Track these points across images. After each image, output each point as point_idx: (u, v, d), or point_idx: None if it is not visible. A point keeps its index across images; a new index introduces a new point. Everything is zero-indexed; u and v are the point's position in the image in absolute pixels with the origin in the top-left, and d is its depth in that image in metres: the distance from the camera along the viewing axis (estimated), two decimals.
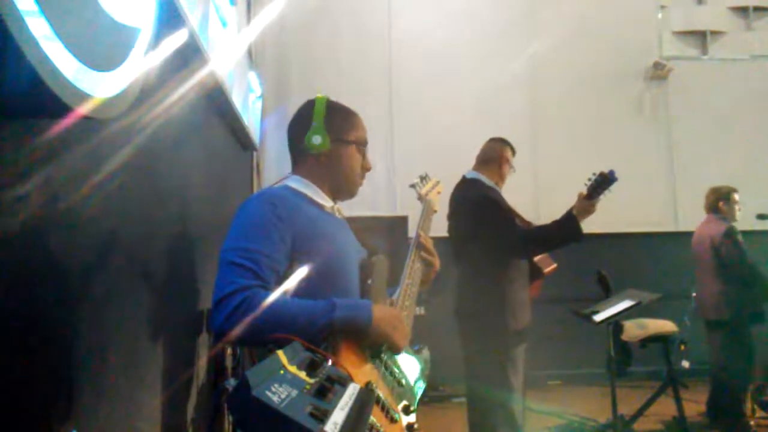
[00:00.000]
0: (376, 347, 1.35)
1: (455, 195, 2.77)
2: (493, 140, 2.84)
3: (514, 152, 2.83)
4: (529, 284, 2.73)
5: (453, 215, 2.77)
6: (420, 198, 1.84)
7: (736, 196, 3.87)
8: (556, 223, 2.53)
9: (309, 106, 1.53)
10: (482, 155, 2.82)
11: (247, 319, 1.17)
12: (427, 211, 1.81)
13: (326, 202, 1.51)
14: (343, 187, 1.55)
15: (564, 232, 2.50)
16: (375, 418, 1.19)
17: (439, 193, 1.93)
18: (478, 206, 2.62)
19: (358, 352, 1.29)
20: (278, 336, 1.13)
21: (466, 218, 2.67)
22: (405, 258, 1.65)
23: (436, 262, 1.70)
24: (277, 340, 1.12)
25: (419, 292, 1.63)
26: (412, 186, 1.84)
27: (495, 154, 2.77)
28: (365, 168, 1.58)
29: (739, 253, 3.67)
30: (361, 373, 1.25)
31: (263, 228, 1.30)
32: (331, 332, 1.22)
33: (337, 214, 1.55)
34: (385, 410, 1.27)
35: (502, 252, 2.57)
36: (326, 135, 1.48)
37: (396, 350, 1.39)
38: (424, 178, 1.89)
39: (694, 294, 3.98)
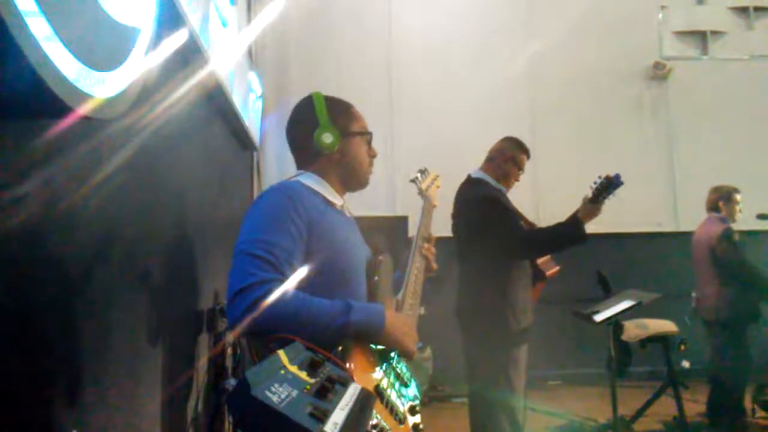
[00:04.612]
0: (387, 352, 1.35)
1: (460, 194, 2.76)
2: (502, 139, 2.80)
3: (527, 154, 2.75)
4: (532, 286, 2.72)
5: (457, 214, 2.76)
6: (420, 193, 1.81)
7: (738, 197, 3.86)
8: (560, 225, 2.52)
9: (307, 105, 1.52)
10: (488, 153, 2.79)
11: (267, 314, 1.16)
12: (428, 207, 1.79)
13: (337, 200, 1.52)
14: (356, 179, 1.55)
15: (568, 235, 2.49)
16: (384, 419, 1.20)
17: (438, 187, 1.90)
18: (481, 206, 2.60)
19: (368, 355, 1.29)
20: (281, 336, 1.13)
21: (469, 218, 2.66)
22: (405, 257, 1.65)
23: (433, 256, 1.70)
24: (278, 339, 1.12)
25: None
26: (413, 181, 1.81)
27: (496, 153, 2.74)
28: (372, 155, 1.59)
29: (735, 254, 3.66)
30: (371, 376, 1.26)
31: (281, 221, 1.30)
32: (345, 334, 1.22)
33: (346, 212, 1.56)
34: (394, 412, 1.27)
35: (505, 252, 2.56)
36: (335, 132, 1.48)
37: (408, 356, 1.39)
38: (423, 172, 1.84)
39: (693, 294, 3.98)
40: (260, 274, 1.20)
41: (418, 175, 1.81)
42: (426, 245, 1.68)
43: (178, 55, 2.25)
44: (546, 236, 2.60)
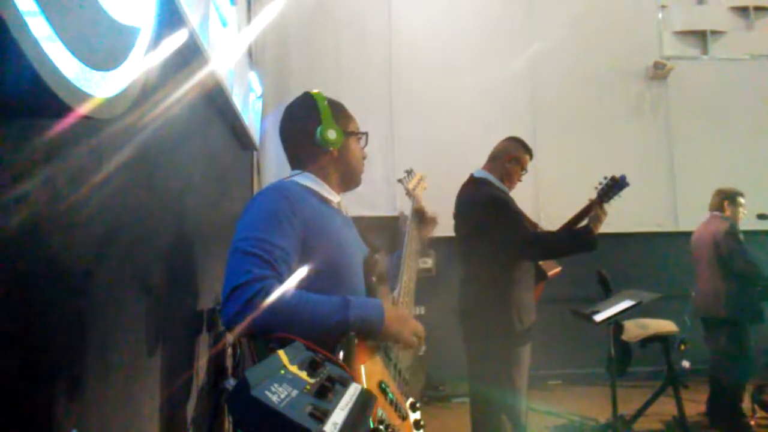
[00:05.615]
0: (389, 348, 1.35)
1: (462, 193, 2.74)
2: (505, 138, 2.79)
3: (531, 154, 2.74)
4: (535, 286, 2.72)
5: (459, 214, 2.74)
6: (408, 193, 1.83)
7: (742, 200, 3.88)
8: (570, 232, 2.50)
9: (309, 103, 1.53)
10: (491, 153, 2.78)
11: (264, 311, 1.15)
12: (415, 207, 1.83)
13: (334, 198, 1.53)
14: (353, 178, 1.58)
15: (577, 242, 2.48)
16: (388, 415, 1.21)
17: (425, 188, 1.93)
18: (485, 206, 2.58)
19: (369, 351, 1.29)
20: (281, 335, 1.13)
21: (473, 217, 2.64)
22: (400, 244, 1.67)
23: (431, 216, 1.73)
24: (279, 339, 1.12)
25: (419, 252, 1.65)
26: (400, 181, 1.84)
27: (500, 153, 2.73)
28: (363, 156, 1.61)
29: (740, 250, 3.68)
30: (373, 373, 1.26)
31: (278, 220, 1.30)
32: (345, 330, 1.22)
33: (343, 210, 1.56)
34: (397, 408, 1.28)
35: (509, 253, 2.55)
36: (339, 129, 1.49)
37: (410, 347, 1.39)
38: (410, 173, 1.87)
39: (693, 294, 3.98)
40: (256, 272, 1.19)
41: (405, 175, 1.83)
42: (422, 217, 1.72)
43: (178, 55, 2.25)
44: (554, 240, 2.58)
